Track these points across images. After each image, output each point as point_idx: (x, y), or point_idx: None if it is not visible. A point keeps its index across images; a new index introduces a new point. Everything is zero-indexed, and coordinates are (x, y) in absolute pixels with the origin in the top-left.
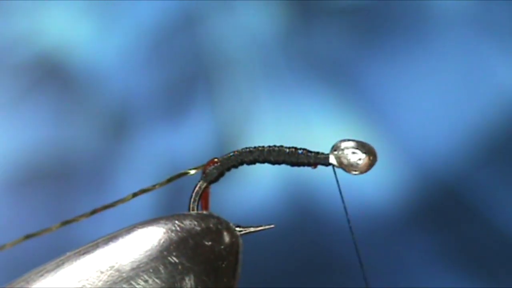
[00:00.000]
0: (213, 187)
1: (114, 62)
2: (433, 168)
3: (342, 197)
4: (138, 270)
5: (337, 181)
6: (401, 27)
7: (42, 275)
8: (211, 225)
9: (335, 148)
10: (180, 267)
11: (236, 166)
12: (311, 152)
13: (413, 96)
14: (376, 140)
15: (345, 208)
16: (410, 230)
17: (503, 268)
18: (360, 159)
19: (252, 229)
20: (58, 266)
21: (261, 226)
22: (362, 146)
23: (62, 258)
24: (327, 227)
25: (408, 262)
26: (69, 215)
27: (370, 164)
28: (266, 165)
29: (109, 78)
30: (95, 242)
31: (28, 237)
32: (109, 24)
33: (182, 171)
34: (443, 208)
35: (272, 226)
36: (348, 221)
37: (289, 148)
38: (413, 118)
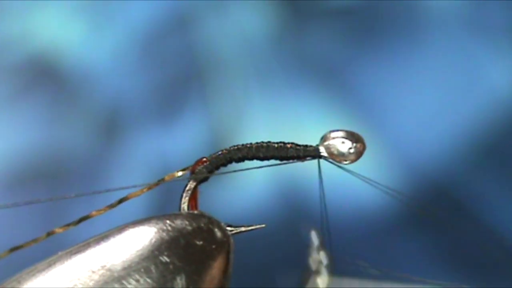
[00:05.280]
0: (203, 187)
1: (106, 63)
2: (425, 168)
3: (322, 189)
4: (129, 270)
5: (320, 172)
6: (394, 28)
7: (33, 275)
8: (202, 225)
9: (324, 139)
10: (171, 266)
11: (224, 165)
12: (299, 145)
13: (405, 97)
14: (368, 141)
15: (322, 197)
16: (401, 230)
17: (494, 268)
18: (350, 148)
19: (243, 229)
20: (49, 265)
21: (252, 225)
22: (351, 135)
23: (53, 257)
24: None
25: (399, 262)
26: (61, 216)
27: (360, 153)
28: (257, 164)
29: (102, 79)
30: (87, 242)
31: (13, 249)
32: (101, 25)
33: (170, 173)
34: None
35: (263, 225)
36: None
37: (277, 143)
38: (405, 119)
